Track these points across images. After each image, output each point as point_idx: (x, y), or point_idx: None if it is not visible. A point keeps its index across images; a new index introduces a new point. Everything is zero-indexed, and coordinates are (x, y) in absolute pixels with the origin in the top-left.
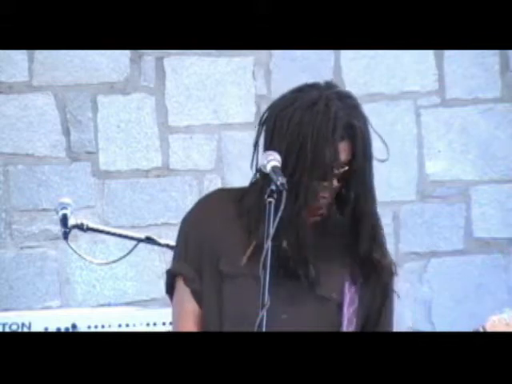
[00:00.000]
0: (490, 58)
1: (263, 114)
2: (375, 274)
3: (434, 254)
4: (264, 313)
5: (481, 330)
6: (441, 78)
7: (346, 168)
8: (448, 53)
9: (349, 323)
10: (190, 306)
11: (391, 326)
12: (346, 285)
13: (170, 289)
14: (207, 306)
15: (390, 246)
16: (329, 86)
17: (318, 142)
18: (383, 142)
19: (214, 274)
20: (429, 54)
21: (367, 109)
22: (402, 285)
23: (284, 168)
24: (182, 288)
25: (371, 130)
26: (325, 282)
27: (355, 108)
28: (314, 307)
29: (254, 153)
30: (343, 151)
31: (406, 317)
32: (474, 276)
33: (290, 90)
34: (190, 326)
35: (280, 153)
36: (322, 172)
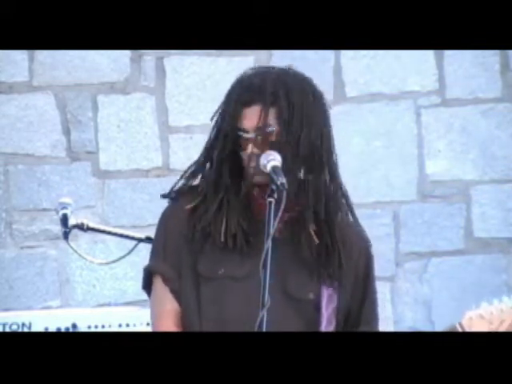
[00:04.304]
0: (490, 57)
1: None
2: (347, 263)
3: (434, 253)
4: (264, 312)
5: (458, 326)
6: (441, 78)
7: (264, 134)
8: (448, 53)
9: (328, 323)
10: (170, 306)
11: (375, 316)
12: (324, 283)
13: (147, 286)
14: (186, 305)
15: (390, 245)
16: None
17: (228, 108)
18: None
19: (193, 273)
20: (429, 54)
21: (367, 109)
22: (402, 285)
23: (217, 147)
24: (160, 287)
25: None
26: (299, 282)
27: (286, 81)
28: (289, 308)
29: None
30: (253, 115)
31: (406, 317)
32: (474, 276)
33: None
34: (169, 325)
35: (212, 132)
36: (237, 139)
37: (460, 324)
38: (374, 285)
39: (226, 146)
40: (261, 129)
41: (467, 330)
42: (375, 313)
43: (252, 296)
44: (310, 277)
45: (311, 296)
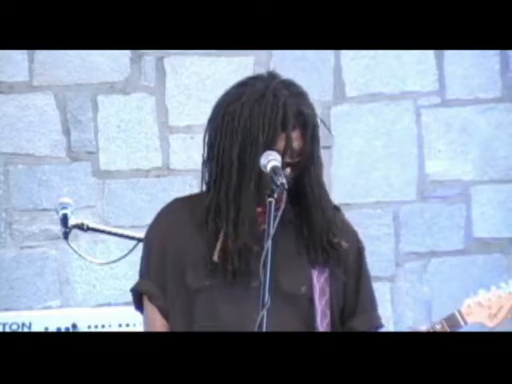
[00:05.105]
0: (490, 57)
1: (211, 113)
2: (341, 256)
3: (434, 253)
4: (264, 312)
5: (457, 314)
6: (441, 78)
7: (299, 157)
8: (448, 53)
9: (322, 316)
10: (159, 324)
11: (372, 302)
12: (314, 276)
13: (138, 306)
14: (173, 320)
15: (390, 245)
16: (272, 76)
17: (269, 133)
18: (328, 129)
19: (180, 288)
20: (429, 54)
21: (367, 109)
22: (402, 285)
23: (240, 163)
24: (148, 306)
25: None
26: (290, 277)
27: (302, 95)
28: (284, 305)
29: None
30: (296, 140)
31: (406, 317)
32: (474, 276)
33: (234, 85)
34: None
35: (233, 148)
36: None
37: (459, 311)
38: (368, 273)
39: (256, 170)
40: (300, 151)
41: (466, 317)
42: (372, 300)
43: (243, 300)
44: (300, 271)
45: (304, 290)
